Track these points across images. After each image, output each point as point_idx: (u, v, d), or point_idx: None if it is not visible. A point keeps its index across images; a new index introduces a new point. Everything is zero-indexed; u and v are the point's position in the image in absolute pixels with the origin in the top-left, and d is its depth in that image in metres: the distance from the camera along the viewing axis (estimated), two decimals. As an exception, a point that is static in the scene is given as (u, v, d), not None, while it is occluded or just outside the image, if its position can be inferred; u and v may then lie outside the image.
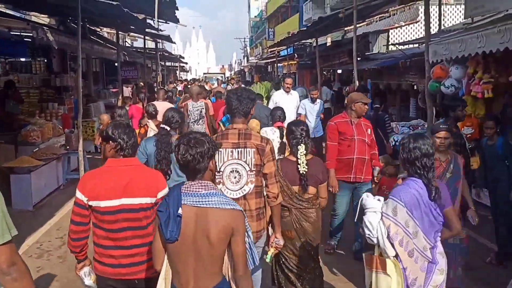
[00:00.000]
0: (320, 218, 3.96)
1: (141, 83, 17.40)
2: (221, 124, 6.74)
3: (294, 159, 3.82)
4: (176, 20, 16.22)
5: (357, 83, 10.98)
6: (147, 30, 13.71)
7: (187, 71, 68.29)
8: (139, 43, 28.17)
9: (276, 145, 5.02)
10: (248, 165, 3.34)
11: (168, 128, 4.42)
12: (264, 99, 11.73)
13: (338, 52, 19.10)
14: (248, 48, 65.09)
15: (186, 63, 60.21)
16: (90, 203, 2.70)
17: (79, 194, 2.73)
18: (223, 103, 7.03)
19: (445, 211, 2.99)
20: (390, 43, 14.86)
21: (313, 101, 9.32)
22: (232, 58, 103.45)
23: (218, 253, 2.26)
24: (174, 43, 23.20)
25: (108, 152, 2.84)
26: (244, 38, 69.05)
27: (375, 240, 2.89)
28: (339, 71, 19.74)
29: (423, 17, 16.46)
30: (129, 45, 23.23)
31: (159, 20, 17.75)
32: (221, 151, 3.30)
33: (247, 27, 69.03)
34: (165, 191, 2.73)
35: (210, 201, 2.24)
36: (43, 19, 13.21)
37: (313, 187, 3.82)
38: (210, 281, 2.27)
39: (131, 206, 2.70)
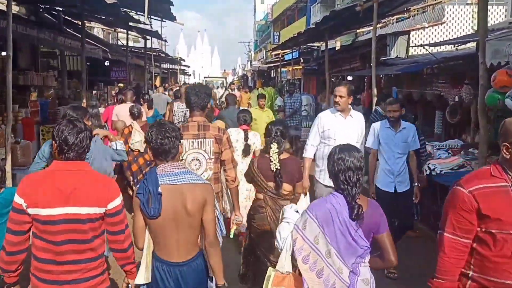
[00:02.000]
0: None
1: (121, 85, 15.51)
2: None
3: (268, 156, 3.91)
4: (172, 18, 14.45)
5: (375, 90, 9.10)
6: (130, 24, 11.85)
7: (189, 75, 67.05)
8: (141, 44, 26.72)
9: (240, 146, 5.74)
10: (208, 153, 3.73)
11: None
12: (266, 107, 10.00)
13: (349, 56, 17.35)
14: (252, 52, 63.74)
15: (188, 66, 59.00)
16: (29, 210, 2.38)
17: (17, 199, 2.41)
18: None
19: (378, 237, 2.62)
20: (414, 45, 13.00)
21: (393, 124, 5.10)
22: (236, 63, 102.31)
23: (196, 222, 2.65)
24: (165, 41, 21.40)
25: (55, 153, 2.53)
26: (249, 42, 67.98)
27: (280, 252, 2.78)
28: (350, 78, 17.88)
29: (449, 18, 14.97)
30: (121, 44, 21.43)
31: (153, 17, 15.98)
32: (183, 141, 3.22)
33: (252, 31, 67.79)
34: (118, 200, 2.52)
35: (184, 178, 2.63)
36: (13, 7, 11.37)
37: (288, 184, 3.93)
38: (191, 250, 2.68)
39: (77, 216, 2.41)
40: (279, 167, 3.84)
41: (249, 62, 60.38)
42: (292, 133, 10.41)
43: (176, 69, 43.52)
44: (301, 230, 2.59)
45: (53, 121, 10.33)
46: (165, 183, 2.60)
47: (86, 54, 10.75)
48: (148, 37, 17.94)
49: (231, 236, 4.21)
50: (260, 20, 54.95)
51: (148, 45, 19.03)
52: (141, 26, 12.58)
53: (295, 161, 4.11)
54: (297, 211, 2.83)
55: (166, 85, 25.65)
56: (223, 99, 12.82)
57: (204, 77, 49.70)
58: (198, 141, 3.75)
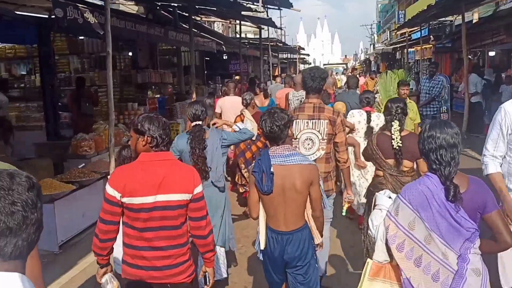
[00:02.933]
0: None
1: (237, 77, 15.23)
2: None
3: (389, 134, 3.90)
4: (288, 5, 13.80)
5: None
6: (243, 13, 11.37)
7: (309, 63, 66.30)
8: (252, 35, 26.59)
9: (363, 127, 5.57)
10: (321, 134, 3.90)
11: (200, 123, 4.12)
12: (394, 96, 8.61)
13: (489, 29, 14.92)
14: (375, 35, 60.61)
15: (308, 55, 58.15)
16: (123, 199, 2.51)
17: (110, 190, 2.53)
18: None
19: (486, 217, 2.33)
20: None
21: None
22: (358, 48, 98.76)
23: (303, 199, 2.99)
24: (280, 28, 20.68)
25: (142, 147, 2.65)
26: (371, 25, 65.11)
27: (375, 240, 2.60)
28: (492, 54, 15.41)
29: None
30: (233, 36, 21.42)
31: (269, 6, 15.47)
32: (298, 121, 3.90)
33: (374, 13, 64.38)
34: (201, 187, 2.68)
35: (294, 159, 2.93)
36: (130, 7, 11.70)
37: (408, 161, 3.90)
38: (297, 222, 3.01)
39: (168, 203, 2.55)
40: (401, 145, 3.83)
41: (371, 46, 57.50)
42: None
43: (295, 58, 42.91)
44: (394, 216, 2.42)
45: (170, 117, 10.35)
46: (276, 163, 2.92)
47: (199, 47, 10.55)
48: (263, 26, 17.49)
49: (343, 213, 4.48)
50: (383, -1, 51.57)
51: (265, 35, 18.61)
52: (254, 15, 12.04)
53: (415, 137, 3.91)
54: (390, 197, 2.69)
55: (283, 74, 25.16)
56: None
57: (324, 64, 48.58)
58: (312, 122, 3.91)
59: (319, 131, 3.91)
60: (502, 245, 2.37)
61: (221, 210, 4.22)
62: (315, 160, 3.72)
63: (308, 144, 3.91)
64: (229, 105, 7.63)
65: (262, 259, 3.19)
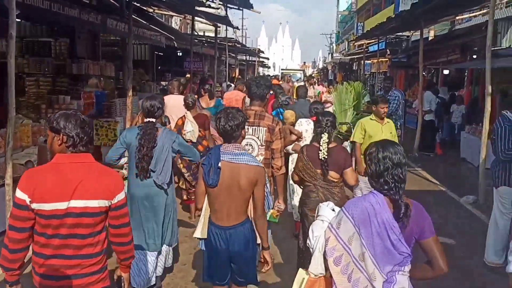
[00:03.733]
0: (345, 198, 4.06)
1: (188, 76, 14.46)
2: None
3: (318, 145, 4.07)
4: (249, 5, 13.10)
5: (489, 88, 7.00)
6: (198, 8, 10.60)
7: (269, 67, 66.07)
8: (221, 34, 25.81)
9: (309, 136, 5.53)
10: (260, 140, 4.01)
11: (154, 121, 4.01)
12: (349, 110, 8.08)
13: (445, 47, 14.95)
14: (333, 44, 61.38)
15: (268, 59, 57.86)
16: (33, 205, 2.31)
17: (20, 194, 2.32)
18: (272, 97, 7.99)
19: (423, 242, 2.34)
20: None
21: None
22: (317, 56, 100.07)
23: (246, 197, 3.07)
24: (237, 28, 20.00)
25: (57, 146, 2.43)
26: (331, 34, 65.91)
27: (312, 252, 2.56)
28: (446, 72, 15.45)
29: None
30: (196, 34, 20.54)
31: (228, 5, 14.73)
32: None
33: (334, 23, 65.21)
34: (123, 193, 2.51)
35: (241, 159, 3.03)
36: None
37: (335, 172, 4.05)
38: (238, 217, 3.10)
39: (84, 209, 2.36)
40: (326, 156, 3.99)
41: (330, 55, 58.08)
42: None
43: (255, 61, 42.44)
44: (335, 229, 2.41)
45: (108, 114, 9.41)
46: (225, 160, 3.02)
47: (145, 40, 9.67)
48: (221, 25, 16.77)
49: (268, 218, 4.13)
50: (344, 10, 52.10)
51: (224, 35, 17.88)
52: (208, 10, 11.28)
53: (341, 150, 4.26)
54: (333, 210, 2.66)
55: (235, 76, 24.53)
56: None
57: (281, 69, 48.39)
58: (252, 128, 4.00)
59: (258, 138, 4.01)
60: (437, 272, 2.35)
61: (163, 211, 4.05)
62: None
63: (249, 149, 3.94)
64: (171, 104, 7.01)
65: (203, 248, 3.26)
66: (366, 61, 23.45)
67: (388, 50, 20.65)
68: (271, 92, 9.53)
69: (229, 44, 22.66)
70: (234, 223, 3.08)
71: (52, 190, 2.31)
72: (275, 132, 4.00)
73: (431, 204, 6.91)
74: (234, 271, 3.20)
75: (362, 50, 22.62)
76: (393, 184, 2.31)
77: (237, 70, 35.45)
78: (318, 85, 16.89)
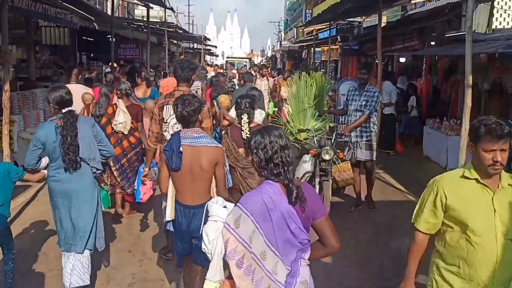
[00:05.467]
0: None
1: (115, 65, 12.56)
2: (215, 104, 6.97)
3: (240, 126, 4.30)
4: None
5: (470, 79, 5.74)
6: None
7: (217, 56, 64.11)
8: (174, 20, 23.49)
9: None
10: None
11: (74, 110, 3.86)
12: (309, 110, 6.52)
13: (401, 33, 13.91)
14: (282, 33, 60.38)
15: (215, 47, 55.91)
16: None
17: None
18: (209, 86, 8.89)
19: (315, 223, 2.30)
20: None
21: None
22: (266, 44, 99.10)
23: (208, 176, 3.29)
24: (171, 9, 18.02)
25: None
26: (279, 22, 64.93)
27: (211, 258, 2.40)
28: (402, 60, 14.40)
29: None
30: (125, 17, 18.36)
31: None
32: (168, 107, 4.13)
33: (283, 11, 64.25)
34: None
35: (201, 141, 3.24)
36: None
37: None
38: (202, 197, 3.26)
39: None
40: (249, 135, 4.06)
41: (278, 43, 56.99)
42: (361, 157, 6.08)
43: (200, 49, 40.45)
44: (234, 228, 2.20)
45: None
46: (185, 144, 3.22)
47: (51, 20, 7.73)
48: (157, 8, 14.80)
49: None
50: (292, -3, 50.95)
51: (154, 15, 15.97)
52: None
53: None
54: (224, 206, 2.48)
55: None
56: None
57: (227, 57, 46.79)
58: None
59: None
60: (329, 250, 2.32)
61: (93, 205, 3.90)
62: None
63: (177, 128, 3.98)
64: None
65: (171, 229, 3.49)
66: (316, 49, 22.25)
67: (338, 37, 19.48)
68: (205, 81, 8.50)
69: (169, 29, 20.71)
70: (199, 202, 3.24)
71: None
72: (204, 111, 4.02)
73: (402, 219, 5.63)
74: (195, 249, 3.28)
75: (312, 37, 21.37)
76: (282, 168, 2.24)
77: (181, 58, 33.59)
78: (269, 77, 15.37)
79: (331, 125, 6.63)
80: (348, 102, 6.10)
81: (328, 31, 17.77)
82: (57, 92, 3.80)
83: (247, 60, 38.52)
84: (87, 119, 3.99)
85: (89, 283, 3.94)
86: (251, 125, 4.28)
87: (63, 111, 3.77)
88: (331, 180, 5.13)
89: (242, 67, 27.95)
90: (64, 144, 3.67)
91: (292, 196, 2.20)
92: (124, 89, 5.74)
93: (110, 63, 11.51)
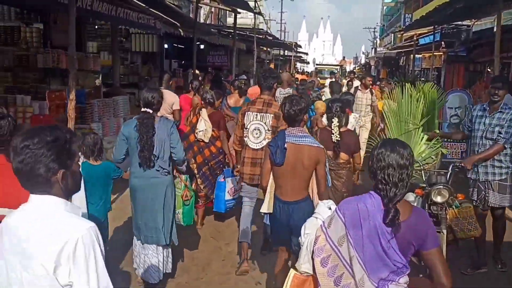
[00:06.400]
0: (351, 179, 4.68)
1: (197, 71, 12.21)
2: None
3: (330, 129, 4.41)
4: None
5: None
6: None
7: (307, 63, 63.25)
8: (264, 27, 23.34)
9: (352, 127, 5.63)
10: (267, 125, 4.40)
11: (151, 111, 4.01)
12: (416, 133, 4.96)
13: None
14: (377, 39, 57.98)
15: (306, 54, 55.12)
16: None
17: None
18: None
19: (425, 253, 2.16)
20: None
21: None
22: (360, 51, 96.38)
23: (308, 174, 3.42)
24: (259, 14, 17.45)
25: None
26: (374, 28, 62.60)
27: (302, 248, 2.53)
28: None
29: None
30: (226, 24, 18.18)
31: None
32: (248, 113, 4.44)
33: (379, 16, 61.74)
34: None
35: (304, 140, 3.39)
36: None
37: (345, 154, 4.42)
38: (301, 193, 3.45)
39: None
40: (339, 139, 4.29)
41: (373, 50, 54.72)
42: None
43: (291, 56, 39.87)
44: (326, 227, 2.29)
45: (82, 119, 7.26)
46: (290, 142, 3.38)
47: (129, 25, 7.42)
48: (247, 14, 14.31)
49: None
50: (389, 1, 48.51)
51: (247, 23, 15.54)
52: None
53: (352, 134, 4.71)
54: (329, 208, 2.57)
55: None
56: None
57: (316, 64, 45.67)
58: (260, 115, 4.42)
59: (265, 123, 4.39)
60: (438, 286, 2.15)
61: (166, 202, 4.01)
62: (262, 148, 4.33)
63: (256, 134, 4.39)
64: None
65: (268, 222, 3.65)
66: (416, 55, 20.48)
67: (443, 42, 17.62)
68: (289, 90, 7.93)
69: (258, 36, 20.30)
70: (296, 198, 3.43)
71: None
72: (281, 118, 4.12)
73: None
74: (294, 242, 3.35)
75: (412, 42, 19.66)
76: (383, 185, 2.14)
77: (271, 66, 33.16)
78: (353, 79, 14.15)
79: (444, 151, 5.15)
80: (473, 125, 4.59)
81: (432, 36, 16.07)
82: (146, 93, 4.03)
83: (338, 67, 37.16)
84: (167, 121, 4.09)
85: (160, 278, 4.12)
86: (342, 129, 4.42)
87: (141, 110, 4.00)
88: (445, 231, 3.80)
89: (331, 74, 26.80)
90: (140, 142, 3.89)
91: (386, 217, 2.10)
92: (207, 98, 5.77)
93: (192, 71, 11.18)
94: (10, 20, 8.11)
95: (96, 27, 12.17)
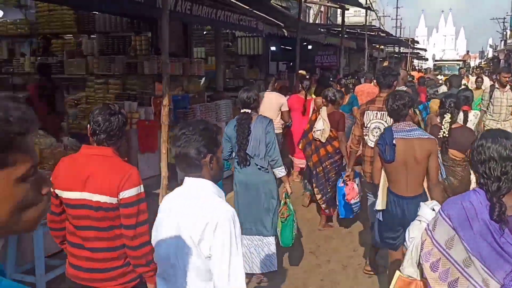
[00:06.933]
0: (468, 179, 4.29)
1: (302, 72, 11.76)
2: (417, 112, 6.53)
3: (440, 125, 4.34)
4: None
5: None
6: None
7: (426, 59, 59.28)
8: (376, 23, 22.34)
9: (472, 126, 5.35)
10: (387, 124, 4.18)
11: (249, 111, 4.14)
12: None
13: None
14: (508, 30, 52.36)
15: (425, 50, 51.55)
16: (56, 191, 2.48)
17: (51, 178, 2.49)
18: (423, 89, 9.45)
19: None
20: None
21: None
22: (486, 44, 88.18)
23: (422, 168, 3.34)
24: (371, 9, 16.29)
25: (89, 136, 2.54)
26: (504, 18, 56.63)
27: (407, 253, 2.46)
28: None
29: None
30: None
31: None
32: (368, 112, 4.41)
33: (509, 5, 55.86)
34: (132, 191, 2.41)
35: (414, 134, 3.36)
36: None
37: (457, 151, 4.23)
38: (416, 189, 3.39)
39: (89, 202, 2.40)
40: (446, 135, 4.21)
41: (502, 42, 49.46)
42: None
43: (407, 53, 37.54)
44: (431, 230, 2.16)
45: (180, 123, 7.32)
46: (399, 137, 3.35)
47: (228, 27, 7.31)
48: (357, 9, 13.55)
49: None
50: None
51: (360, 21, 14.75)
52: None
53: (467, 131, 4.43)
54: (433, 209, 2.47)
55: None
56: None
57: (435, 60, 42.33)
58: (381, 113, 4.33)
59: (386, 122, 4.27)
60: None
61: (265, 199, 4.10)
62: None
63: (377, 132, 4.25)
64: (264, 102, 6.34)
65: (381, 219, 3.61)
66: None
67: None
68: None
69: (370, 33, 19.23)
70: (412, 194, 3.36)
71: (65, 179, 2.43)
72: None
73: None
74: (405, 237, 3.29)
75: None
76: (485, 180, 2.01)
77: (385, 64, 31.50)
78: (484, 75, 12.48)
79: None
80: None
81: None
82: (242, 94, 4.17)
83: (461, 62, 34.02)
84: (264, 119, 4.14)
85: (266, 270, 4.18)
86: (454, 125, 4.33)
87: (241, 111, 4.16)
88: None
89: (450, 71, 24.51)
90: (238, 141, 4.06)
91: (493, 213, 1.96)
92: (329, 96, 5.56)
93: (301, 71, 10.82)
94: (122, 30, 8.52)
95: (205, 32, 12.47)
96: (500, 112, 7.19)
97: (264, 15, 8.49)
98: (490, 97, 7.18)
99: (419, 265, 2.29)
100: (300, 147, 5.79)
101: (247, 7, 7.86)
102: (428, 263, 2.14)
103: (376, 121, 4.36)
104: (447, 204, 2.15)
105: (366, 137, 4.43)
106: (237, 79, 11.94)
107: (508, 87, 7.27)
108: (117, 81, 7.72)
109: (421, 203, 2.67)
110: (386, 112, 4.16)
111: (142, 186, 2.44)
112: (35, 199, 0.92)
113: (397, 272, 2.48)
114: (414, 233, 2.43)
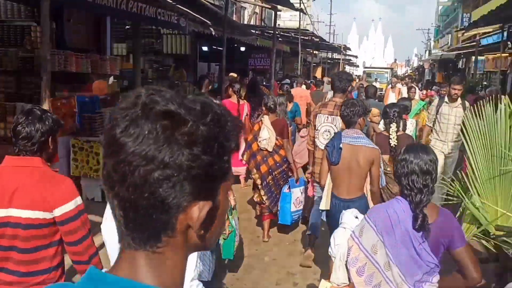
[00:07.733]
0: None
1: (233, 75, 11.08)
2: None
3: (387, 134, 4.46)
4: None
5: None
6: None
7: (357, 66, 61.06)
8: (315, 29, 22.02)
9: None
10: (337, 128, 4.41)
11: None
12: None
13: None
14: (432, 40, 55.27)
15: (356, 57, 53.02)
16: None
17: None
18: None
19: (454, 252, 2.25)
20: None
21: None
22: (412, 54, 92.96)
23: (363, 173, 3.58)
24: (301, 10, 16.03)
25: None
26: (428, 29, 59.91)
27: (334, 261, 2.57)
28: None
29: None
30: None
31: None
32: (320, 115, 4.60)
33: (433, 17, 59.05)
34: (70, 205, 2.20)
35: (360, 141, 3.57)
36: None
37: None
38: (357, 191, 3.60)
39: (18, 219, 2.14)
40: (396, 143, 4.30)
41: (427, 52, 52.05)
42: None
43: (339, 59, 38.20)
44: (357, 237, 2.30)
45: (90, 131, 6.32)
46: (346, 142, 3.57)
47: (143, 21, 6.40)
48: (279, 7, 12.80)
49: None
50: (446, 1, 45.69)
51: (293, 26, 14.32)
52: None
53: (410, 138, 4.65)
54: (356, 217, 2.63)
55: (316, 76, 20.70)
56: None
57: (364, 67, 43.67)
58: (331, 117, 4.52)
59: (335, 125, 4.47)
60: (470, 282, 2.24)
61: None
62: None
63: (327, 135, 4.43)
64: None
65: (325, 219, 3.93)
66: (478, 58, 18.44)
67: (509, 42, 15.65)
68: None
69: (303, 37, 19.01)
70: (353, 196, 3.58)
71: None
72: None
73: None
74: None
75: (474, 43, 17.70)
76: (408, 191, 2.17)
77: (319, 69, 31.69)
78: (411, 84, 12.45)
79: None
80: None
81: (500, 35, 14.21)
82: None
83: (388, 70, 35.10)
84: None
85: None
86: (399, 133, 4.45)
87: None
88: None
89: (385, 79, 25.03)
90: None
91: (415, 223, 2.13)
92: (269, 104, 5.45)
93: (231, 74, 10.09)
94: (21, 19, 7.31)
95: (127, 27, 11.38)
96: (447, 132, 6.03)
97: (188, 11, 7.64)
98: (437, 112, 6.13)
99: (348, 271, 2.36)
100: (244, 159, 5.52)
101: (170, 1, 6.98)
102: (354, 268, 2.27)
103: (326, 125, 4.56)
104: (373, 211, 2.33)
105: (316, 140, 4.61)
106: (161, 80, 10.98)
107: (458, 101, 6.03)
108: (9, 78, 6.53)
109: (344, 211, 2.90)
110: (337, 116, 4.38)
111: (79, 197, 2.24)
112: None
113: (325, 283, 2.53)
114: (340, 239, 2.52)
